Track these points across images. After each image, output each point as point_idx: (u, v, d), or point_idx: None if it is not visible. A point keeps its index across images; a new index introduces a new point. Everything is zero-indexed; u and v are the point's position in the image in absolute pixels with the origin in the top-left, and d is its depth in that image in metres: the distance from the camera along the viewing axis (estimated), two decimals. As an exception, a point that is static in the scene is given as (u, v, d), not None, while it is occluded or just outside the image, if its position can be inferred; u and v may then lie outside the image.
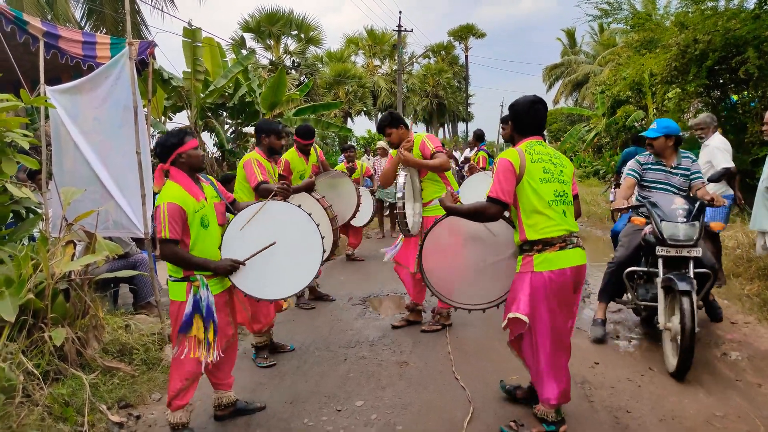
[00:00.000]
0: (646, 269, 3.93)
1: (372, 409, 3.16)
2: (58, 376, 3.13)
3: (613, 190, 9.44)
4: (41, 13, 10.98)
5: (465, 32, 44.87)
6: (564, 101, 36.36)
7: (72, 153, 4.25)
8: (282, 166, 4.96)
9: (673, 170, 4.03)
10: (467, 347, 4.09)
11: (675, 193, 3.97)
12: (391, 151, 4.52)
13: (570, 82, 35.34)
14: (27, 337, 3.08)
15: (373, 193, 8.22)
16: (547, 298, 2.59)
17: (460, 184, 5.57)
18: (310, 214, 2.93)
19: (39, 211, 3.92)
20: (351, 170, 6.78)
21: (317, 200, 4.16)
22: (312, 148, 5.21)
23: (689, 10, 8.23)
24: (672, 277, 3.43)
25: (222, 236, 2.84)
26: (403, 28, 27.51)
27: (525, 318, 2.60)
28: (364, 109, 30.53)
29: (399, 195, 3.70)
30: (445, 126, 47.02)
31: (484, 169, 6.59)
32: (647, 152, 4.17)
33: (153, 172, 2.95)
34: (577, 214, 2.88)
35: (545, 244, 2.59)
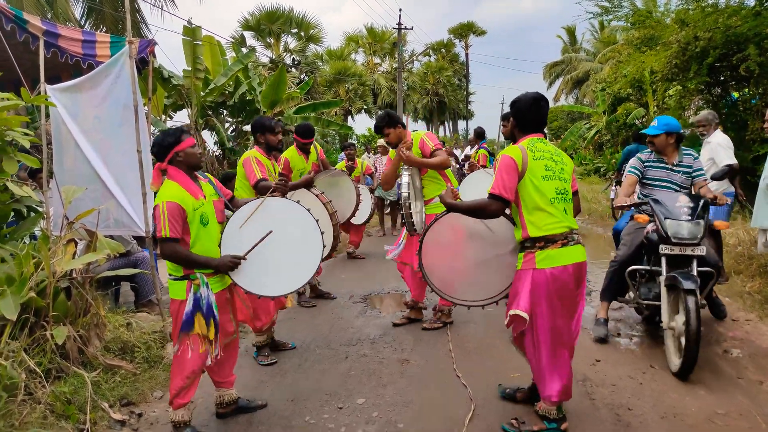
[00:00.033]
0: (648, 268, 3.91)
1: (373, 406, 3.16)
2: (59, 374, 3.14)
3: (614, 187, 9.45)
4: (41, 12, 10.96)
5: (465, 30, 44.88)
6: (564, 99, 36.41)
7: (73, 151, 4.26)
8: (282, 165, 4.96)
9: (674, 167, 4.02)
10: (468, 345, 4.09)
11: (677, 190, 3.96)
12: (390, 150, 4.51)
13: (570, 80, 35.34)
14: (29, 335, 3.08)
15: (372, 191, 8.21)
16: (548, 294, 2.59)
17: (460, 182, 5.57)
18: (309, 210, 2.92)
19: (40, 209, 3.92)
20: (351, 168, 6.78)
21: (316, 196, 4.14)
22: (312, 147, 5.23)
23: (690, 7, 8.21)
24: (676, 275, 3.40)
25: (221, 234, 2.84)
26: (403, 26, 27.49)
27: (525, 315, 2.60)
28: (365, 107, 30.46)
29: (405, 195, 3.68)
30: (446, 124, 47.00)
31: (484, 166, 6.58)
32: (648, 150, 4.16)
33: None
34: (577, 210, 2.88)
35: (547, 241, 2.59)
